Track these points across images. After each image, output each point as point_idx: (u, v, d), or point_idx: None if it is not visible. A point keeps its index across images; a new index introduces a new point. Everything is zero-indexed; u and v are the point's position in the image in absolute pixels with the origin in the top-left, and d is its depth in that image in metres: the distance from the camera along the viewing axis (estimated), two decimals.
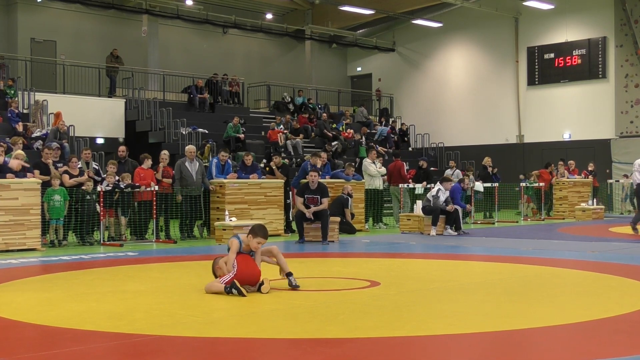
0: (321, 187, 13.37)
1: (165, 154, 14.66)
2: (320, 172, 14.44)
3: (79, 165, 13.60)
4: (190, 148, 14.64)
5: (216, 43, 30.34)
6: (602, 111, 26.29)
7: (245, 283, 6.97)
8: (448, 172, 19.45)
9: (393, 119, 30.77)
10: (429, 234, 14.60)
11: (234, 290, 6.76)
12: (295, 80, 31.12)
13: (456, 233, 14.67)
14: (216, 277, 7.32)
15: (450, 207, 14.64)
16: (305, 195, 13.33)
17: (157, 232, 13.67)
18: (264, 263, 7.43)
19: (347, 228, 15.01)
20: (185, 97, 26.20)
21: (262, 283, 7.10)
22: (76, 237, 13.07)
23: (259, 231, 7.21)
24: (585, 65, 26.66)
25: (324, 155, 16.37)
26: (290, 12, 32.11)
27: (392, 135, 28.96)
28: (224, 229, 12.96)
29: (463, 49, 30.24)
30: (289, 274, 7.31)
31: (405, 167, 19.18)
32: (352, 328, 5.45)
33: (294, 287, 7.21)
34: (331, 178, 16.05)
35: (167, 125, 22.92)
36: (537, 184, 20.47)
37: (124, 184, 13.31)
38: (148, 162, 13.94)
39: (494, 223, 18.72)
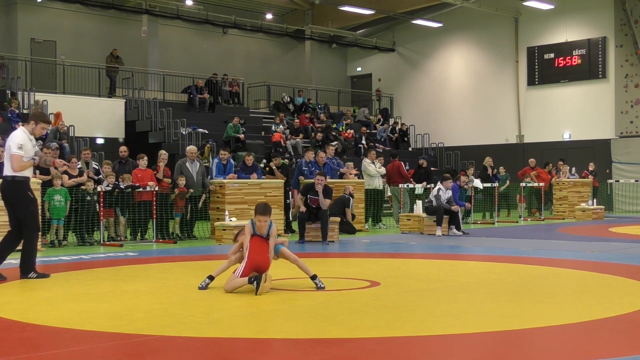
0: (325, 189, 13.37)
1: (164, 153, 14.64)
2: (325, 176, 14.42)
3: (78, 166, 13.60)
4: (191, 149, 14.65)
5: (216, 43, 30.35)
6: (602, 111, 26.30)
7: (255, 269, 7.17)
8: (463, 178, 18.81)
9: (394, 119, 30.77)
10: (434, 234, 14.59)
11: (255, 283, 6.92)
12: (295, 80, 31.13)
13: (460, 233, 14.66)
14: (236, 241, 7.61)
15: (455, 208, 14.64)
16: (308, 196, 13.33)
17: (156, 232, 13.66)
18: (287, 262, 7.62)
19: (347, 228, 15.01)
20: (185, 97, 26.21)
21: (264, 281, 7.12)
22: (76, 237, 13.07)
23: (257, 209, 7.47)
24: (585, 65, 26.66)
25: (322, 154, 16.36)
26: (290, 12, 32.12)
27: (391, 135, 28.99)
28: (224, 229, 12.97)
29: (463, 49, 30.25)
30: (314, 277, 7.41)
31: (405, 167, 19.18)
32: (352, 328, 5.45)
33: (319, 288, 7.30)
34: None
35: (167, 125, 22.93)
36: (536, 184, 20.45)
37: (124, 185, 13.32)
38: (143, 162, 13.92)
39: (494, 223, 18.71)
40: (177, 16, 27.82)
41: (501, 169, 21.37)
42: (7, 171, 8.28)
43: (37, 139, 19.04)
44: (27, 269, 8.27)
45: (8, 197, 8.32)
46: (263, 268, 7.24)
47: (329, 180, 15.59)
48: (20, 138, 8.21)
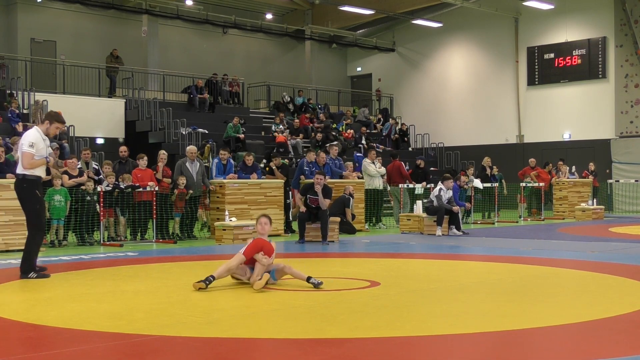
0: (325, 189, 13.38)
1: (163, 153, 14.67)
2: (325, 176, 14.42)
3: (78, 166, 13.60)
4: (191, 149, 14.65)
5: (216, 43, 30.35)
6: (602, 111, 26.29)
7: (259, 248, 7.47)
8: (463, 178, 18.81)
9: (394, 119, 30.76)
10: (434, 234, 14.58)
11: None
12: (295, 80, 31.12)
13: (460, 233, 14.66)
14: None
15: (455, 208, 14.64)
16: (308, 195, 13.34)
17: (156, 232, 13.66)
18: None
19: (347, 228, 15.01)
20: (185, 97, 26.21)
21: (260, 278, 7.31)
22: (76, 237, 13.07)
23: (259, 216, 7.92)
24: (585, 65, 26.65)
25: (323, 155, 16.37)
26: (290, 12, 32.11)
27: (393, 135, 29.02)
28: (224, 229, 12.97)
29: (463, 49, 30.25)
30: (308, 279, 7.46)
31: (405, 167, 19.18)
32: (352, 328, 5.45)
33: (317, 286, 7.36)
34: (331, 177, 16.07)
35: (167, 125, 22.93)
36: (536, 184, 20.44)
37: (124, 185, 13.32)
38: (143, 162, 13.94)
39: (494, 223, 18.71)
40: (177, 16, 27.82)
41: (494, 169, 21.35)
42: (19, 169, 8.43)
43: None
44: (27, 268, 8.28)
45: (18, 194, 8.43)
46: (267, 249, 7.48)
47: (329, 180, 15.61)
48: (33, 137, 8.34)
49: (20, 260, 8.46)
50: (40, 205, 8.46)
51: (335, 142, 24.81)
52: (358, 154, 22.04)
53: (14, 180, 11.64)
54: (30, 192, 8.33)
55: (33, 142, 8.26)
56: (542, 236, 14.37)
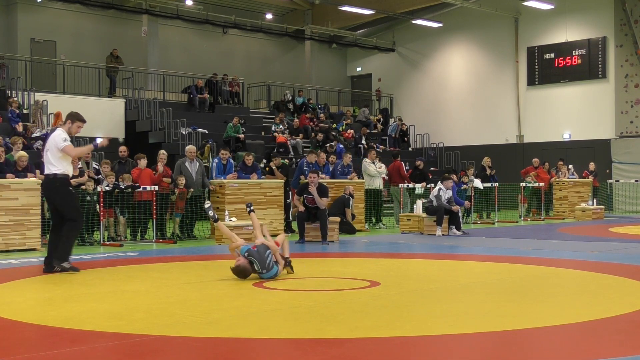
0: (321, 188, 13.39)
1: (163, 153, 14.67)
2: (320, 172, 14.43)
3: (79, 166, 13.57)
4: (190, 148, 14.66)
5: (216, 43, 30.35)
6: (602, 111, 26.29)
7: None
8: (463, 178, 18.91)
9: (394, 119, 30.75)
10: (434, 234, 14.57)
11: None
12: (295, 80, 31.12)
13: (460, 233, 14.65)
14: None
15: (455, 208, 14.64)
16: (305, 195, 13.35)
17: (156, 232, 13.66)
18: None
19: (347, 228, 15.00)
20: (185, 97, 26.21)
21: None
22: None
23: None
24: (585, 65, 26.65)
25: (323, 155, 16.36)
26: (290, 12, 32.11)
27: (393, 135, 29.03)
28: None
29: (463, 49, 30.24)
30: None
31: (405, 167, 19.19)
32: (352, 328, 5.45)
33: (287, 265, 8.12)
34: (331, 178, 16.07)
35: (167, 125, 22.92)
36: (536, 184, 20.43)
37: (124, 185, 13.32)
38: (143, 162, 13.95)
39: (494, 223, 18.71)
40: (177, 16, 27.81)
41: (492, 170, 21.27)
42: (48, 169, 8.64)
43: (37, 139, 19.07)
44: (62, 256, 8.56)
45: (49, 194, 8.57)
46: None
47: (329, 180, 15.62)
48: (63, 133, 8.62)
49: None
50: (77, 199, 8.83)
51: (333, 142, 24.88)
52: (340, 145, 22.27)
53: (14, 180, 11.74)
54: (65, 190, 8.58)
55: (66, 137, 8.55)
56: (542, 236, 14.37)
